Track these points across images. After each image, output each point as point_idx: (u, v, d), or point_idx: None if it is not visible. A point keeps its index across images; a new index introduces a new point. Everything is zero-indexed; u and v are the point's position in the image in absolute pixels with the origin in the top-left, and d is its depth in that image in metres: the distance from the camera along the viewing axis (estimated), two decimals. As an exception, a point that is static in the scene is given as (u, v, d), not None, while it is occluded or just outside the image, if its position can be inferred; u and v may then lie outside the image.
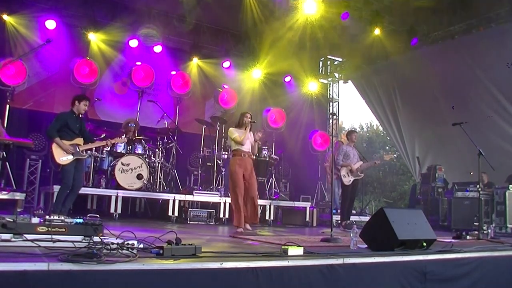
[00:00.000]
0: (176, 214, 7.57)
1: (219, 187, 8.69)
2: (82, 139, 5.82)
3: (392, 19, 10.06)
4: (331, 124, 12.74)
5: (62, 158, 5.60)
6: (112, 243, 2.70)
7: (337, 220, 8.21)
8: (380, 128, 22.84)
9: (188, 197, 7.89)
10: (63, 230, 2.89)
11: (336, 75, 13.21)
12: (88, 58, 9.22)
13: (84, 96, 6.09)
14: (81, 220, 3.03)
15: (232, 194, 6.10)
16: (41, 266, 2.19)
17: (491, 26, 9.35)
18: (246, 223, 6.01)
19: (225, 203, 8.05)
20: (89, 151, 7.99)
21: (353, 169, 7.78)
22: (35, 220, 2.88)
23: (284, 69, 11.42)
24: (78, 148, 5.71)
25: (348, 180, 7.79)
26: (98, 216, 3.22)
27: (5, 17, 8.82)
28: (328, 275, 3.05)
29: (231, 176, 6.11)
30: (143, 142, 8.31)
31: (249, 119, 6.17)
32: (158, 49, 10.29)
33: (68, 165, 5.63)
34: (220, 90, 10.53)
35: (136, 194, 7.83)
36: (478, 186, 7.22)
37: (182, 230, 5.62)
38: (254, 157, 6.44)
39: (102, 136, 7.22)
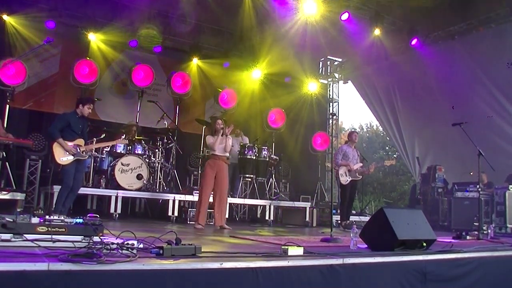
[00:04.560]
0: (176, 214, 7.57)
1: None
2: (83, 139, 5.84)
3: (392, 19, 10.06)
4: (331, 124, 12.73)
5: (63, 158, 5.61)
6: (112, 243, 2.69)
7: (337, 220, 8.22)
8: (380, 128, 22.83)
9: (188, 197, 7.88)
10: (63, 230, 2.88)
11: (336, 75, 13.20)
12: (88, 58, 9.22)
13: (88, 99, 6.16)
14: (81, 220, 3.02)
15: (199, 192, 6.66)
16: (41, 266, 2.19)
17: (491, 26, 9.35)
18: (220, 223, 6.49)
19: (225, 203, 8.05)
20: (89, 152, 8.01)
21: (351, 169, 7.78)
22: (35, 220, 2.87)
23: (284, 69, 11.41)
24: (79, 148, 5.73)
25: (345, 179, 7.79)
26: (98, 216, 3.22)
27: (5, 17, 8.83)
28: (328, 275, 3.05)
29: (201, 177, 6.76)
30: (143, 142, 8.31)
31: (220, 126, 6.64)
32: (158, 49, 10.31)
33: (68, 165, 5.64)
34: (220, 90, 10.52)
35: (136, 194, 7.83)
36: (478, 186, 7.23)
37: (182, 230, 5.62)
38: (228, 154, 6.85)
39: (102, 137, 7.23)
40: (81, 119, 5.92)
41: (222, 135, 6.61)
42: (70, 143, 5.67)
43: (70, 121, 5.75)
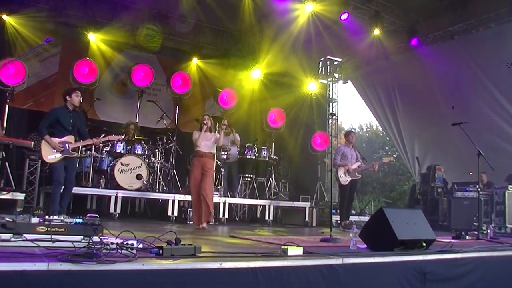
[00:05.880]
0: (175, 214, 7.57)
1: (219, 187, 8.69)
2: (73, 136, 5.56)
3: (392, 19, 10.06)
4: (330, 124, 12.74)
5: (50, 156, 5.40)
6: (112, 243, 2.70)
7: (337, 220, 8.22)
8: (380, 128, 22.83)
9: (188, 197, 7.84)
10: (63, 230, 2.88)
11: (336, 75, 13.20)
12: (88, 58, 9.21)
13: (71, 88, 5.80)
14: (80, 220, 3.02)
15: (191, 194, 6.40)
16: (41, 266, 2.19)
17: (491, 26, 9.35)
18: (202, 222, 6.14)
19: (224, 203, 8.05)
20: (88, 151, 8.00)
21: (350, 169, 7.79)
22: (35, 220, 2.88)
23: (283, 69, 11.43)
24: (68, 146, 5.47)
25: (345, 180, 7.79)
26: (97, 216, 3.22)
27: (5, 17, 8.82)
28: (328, 275, 3.05)
29: (190, 176, 6.48)
30: (143, 142, 8.31)
31: (204, 121, 6.38)
32: (158, 49, 10.30)
33: (56, 163, 5.43)
34: (220, 90, 10.52)
35: (135, 194, 7.83)
36: (477, 186, 7.23)
37: (181, 230, 5.62)
38: (215, 152, 6.66)
39: (101, 136, 7.20)
40: (73, 113, 5.62)
41: (205, 131, 6.37)
42: (58, 140, 5.43)
43: (59, 116, 5.48)
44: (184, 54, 10.90)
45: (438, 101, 10.35)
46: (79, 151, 7.29)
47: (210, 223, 6.28)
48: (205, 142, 6.38)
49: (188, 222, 7.39)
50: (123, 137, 6.58)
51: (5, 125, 7.64)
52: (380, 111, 12.06)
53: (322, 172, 12.06)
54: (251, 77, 11.64)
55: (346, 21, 9.16)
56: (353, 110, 63.45)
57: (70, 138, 5.54)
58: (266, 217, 8.52)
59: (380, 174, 23.89)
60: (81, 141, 5.75)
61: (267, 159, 9.26)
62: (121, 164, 7.53)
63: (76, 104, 5.61)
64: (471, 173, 8.35)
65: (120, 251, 2.62)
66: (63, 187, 5.58)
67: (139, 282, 2.38)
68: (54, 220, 2.95)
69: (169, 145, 8.88)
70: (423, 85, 10.51)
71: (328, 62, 13.11)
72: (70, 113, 5.59)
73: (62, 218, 3.06)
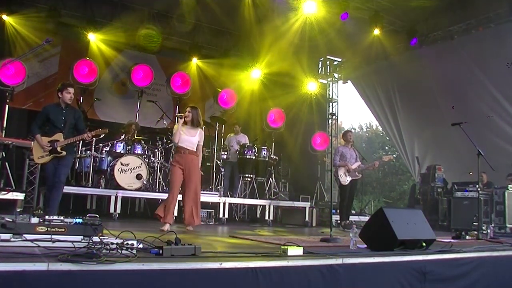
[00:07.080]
0: (175, 214, 7.53)
1: (219, 187, 8.71)
2: (62, 134, 5.34)
3: (392, 19, 10.06)
4: (330, 124, 12.73)
5: (40, 157, 5.30)
6: (112, 243, 2.69)
7: (337, 220, 8.22)
8: (380, 128, 22.84)
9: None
10: (63, 230, 2.88)
11: (336, 75, 13.20)
12: (88, 58, 9.21)
13: (63, 84, 5.48)
14: (80, 220, 3.02)
15: (169, 188, 5.93)
16: (41, 266, 2.19)
17: (491, 26, 9.34)
18: (187, 224, 5.79)
19: (224, 203, 8.05)
20: (88, 151, 8.00)
21: (350, 169, 7.79)
22: (35, 220, 2.88)
23: (283, 69, 11.42)
24: (56, 144, 5.29)
25: (345, 180, 7.79)
26: (97, 216, 3.22)
27: (5, 17, 8.83)
28: (328, 275, 3.05)
29: (170, 173, 6.02)
30: (143, 142, 8.31)
31: (179, 115, 5.82)
32: (157, 49, 10.30)
33: (47, 164, 5.32)
34: (220, 90, 10.52)
35: (135, 194, 7.82)
36: (477, 186, 7.23)
37: (181, 230, 5.62)
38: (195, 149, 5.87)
39: (101, 136, 7.20)
40: (66, 110, 5.39)
41: (187, 125, 5.78)
42: (47, 139, 5.28)
43: (50, 114, 5.31)
44: (184, 54, 10.91)
45: (438, 101, 10.34)
46: (79, 151, 7.29)
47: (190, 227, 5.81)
48: (187, 137, 5.73)
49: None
50: (107, 131, 6.03)
51: (5, 125, 7.64)
52: (380, 111, 12.05)
53: (322, 172, 12.06)
54: (251, 77, 11.64)
55: (346, 21, 9.15)
56: (353, 110, 63.55)
57: (58, 136, 5.35)
58: (266, 217, 8.52)
59: (380, 174, 23.94)
60: (71, 138, 5.47)
61: (267, 159, 9.26)
62: (121, 164, 7.52)
63: (66, 101, 5.37)
64: (471, 173, 8.34)
65: (120, 251, 2.62)
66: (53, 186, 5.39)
67: (139, 282, 2.38)
68: (54, 220, 2.95)
69: (169, 145, 8.86)
70: (423, 85, 10.50)
71: (328, 62, 13.09)
72: (62, 110, 5.40)
73: (62, 218, 3.05)
